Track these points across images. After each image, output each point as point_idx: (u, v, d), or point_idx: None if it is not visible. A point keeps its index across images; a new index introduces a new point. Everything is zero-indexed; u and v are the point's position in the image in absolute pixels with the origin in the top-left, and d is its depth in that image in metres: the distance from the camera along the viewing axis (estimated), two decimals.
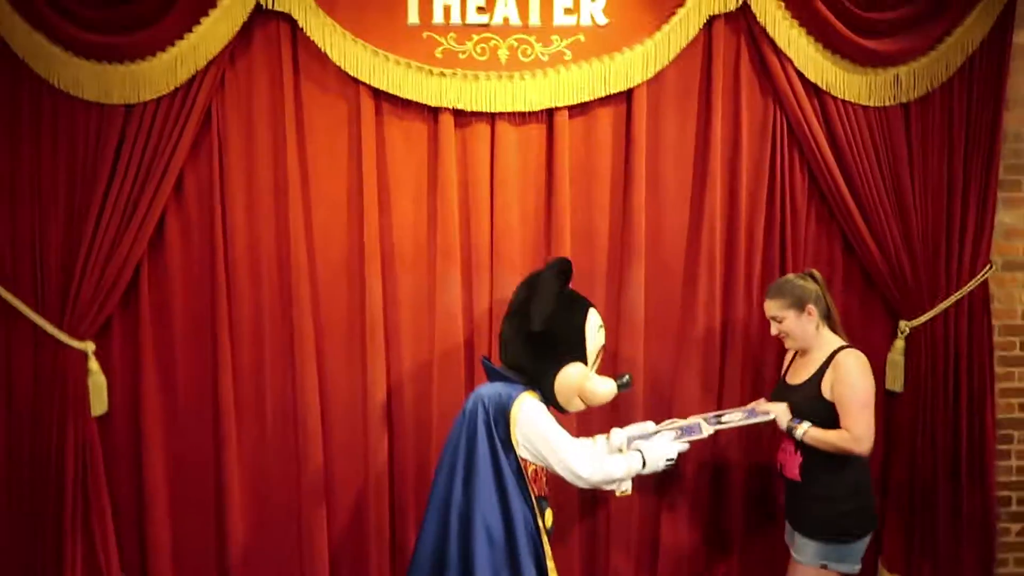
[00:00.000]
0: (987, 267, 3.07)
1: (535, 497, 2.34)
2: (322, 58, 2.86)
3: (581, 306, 2.41)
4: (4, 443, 2.90)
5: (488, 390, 2.36)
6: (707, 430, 2.47)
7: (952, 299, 3.04)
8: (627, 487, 2.39)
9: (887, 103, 3.00)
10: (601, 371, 2.59)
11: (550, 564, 2.32)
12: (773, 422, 2.57)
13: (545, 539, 2.34)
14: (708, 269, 3.05)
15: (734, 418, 2.61)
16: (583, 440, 2.56)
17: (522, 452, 2.29)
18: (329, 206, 2.99)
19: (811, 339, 2.57)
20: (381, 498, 3.04)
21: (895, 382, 3.10)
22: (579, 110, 2.99)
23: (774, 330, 2.61)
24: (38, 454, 2.90)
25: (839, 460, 2.49)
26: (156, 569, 3.01)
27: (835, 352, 2.53)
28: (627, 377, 2.50)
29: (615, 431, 2.55)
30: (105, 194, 2.82)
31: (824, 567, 2.51)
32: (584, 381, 2.36)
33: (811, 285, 2.57)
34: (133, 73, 2.81)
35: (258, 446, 3.04)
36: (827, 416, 2.49)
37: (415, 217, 3.01)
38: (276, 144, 2.94)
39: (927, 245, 3.05)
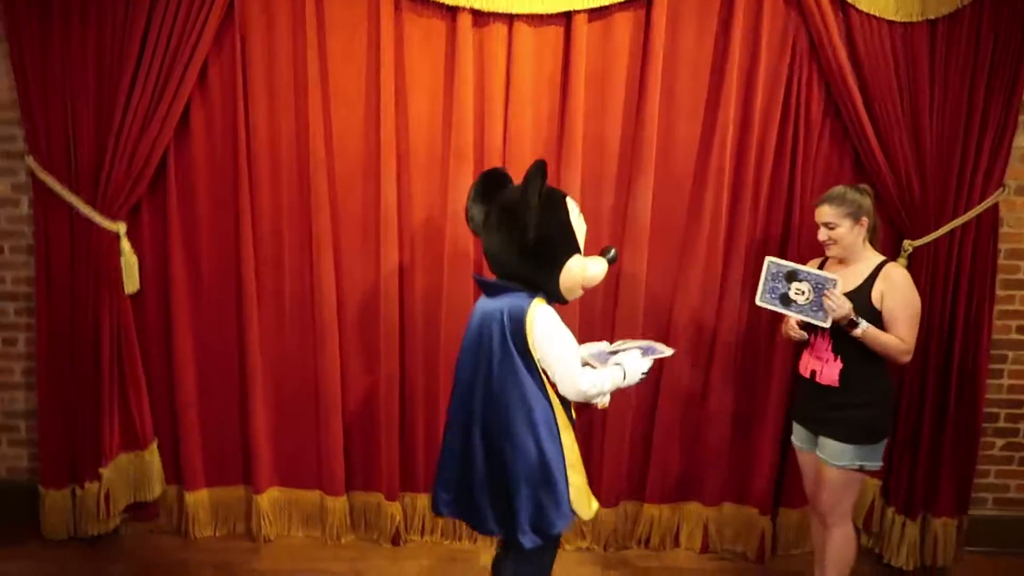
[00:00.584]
0: (999, 190, 3.07)
1: (559, 395, 2.41)
2: None
3: (559, 200, 2.40)
4: (45, 318, 3.13)
5: (494, 305, 2.36)
6: (666, 351, 2.54)
7: (959, 221, 3.05)
8: (607, 400, 2.55)
9: (914, 19, 2.94)
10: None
11: (574, 455, 2.41)
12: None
13: (571, 434, 2.42)
14: (716, 181, 3.09)
15: (798, 296, 2.61)
16: None
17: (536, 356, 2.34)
18: (347, 102, 3.06)
19: (856, 251, 2.66)
20: (392, 386, 3.23)
21: None
22: (598, 14, 2.99)
23: (823, 236, 2.65)
24: (77, 329, 3.13)
25: (876, 367, 2.62)
26: (186, 437, 3.28)
27: (882, 264, 2.63)
28: (612, 251, 2.56)
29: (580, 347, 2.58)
30: (132, 81, 2.94)
31: (860, 468, 2.64)
32: (584, 271, 2.42)
33: (867, 200, 2.64)
34: None
35: (277, 330, 3.24)
36: (874, 324, 2.57)
37: (431, 116, 3.08)
38: (296, 38, 3.01)
39: (940, 166, 3.04)
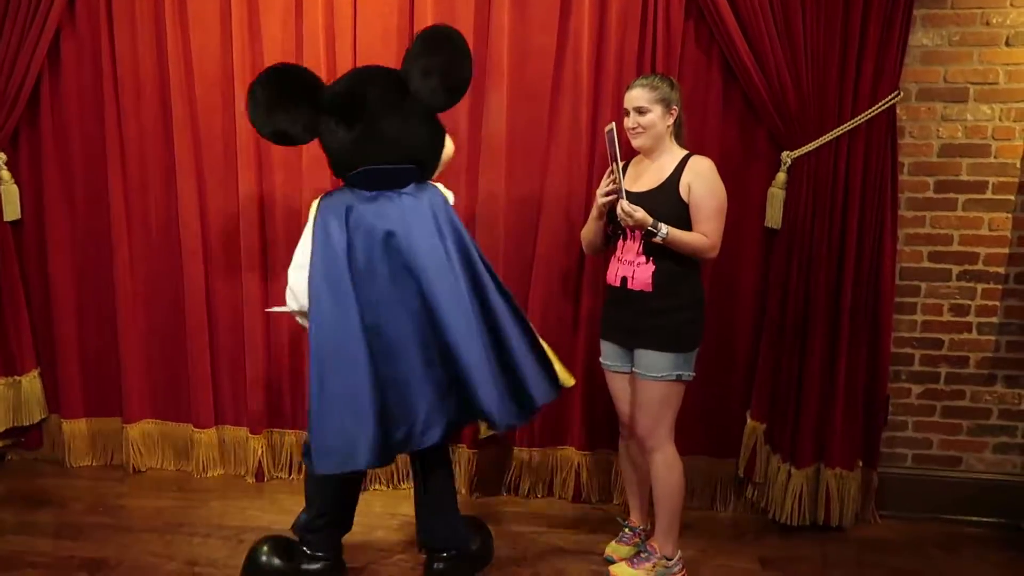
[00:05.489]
0: (893, 94, 2.72)
1: None
2: None
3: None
4: None
5: (409, 204, 2.31)
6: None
7: (843, 128, 2.72)
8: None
9: None
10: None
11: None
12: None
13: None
14: (574, 94, 2.91)
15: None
16: None
17: None
18: (204, 27, 3.08)
19: (663, 142, 2.47)
20: (255, 314, 3.19)
21: (773, 219, 2.85)
22: None
23: (631, 122, 2.45)
24: None
25: (688, 268, 2.43)
26: (64, 364, 3.34)
27: (688, 156, 2.45)
28: None
29: None
30: (4, 11, 3.05)
31: (679, 377, 2.43)
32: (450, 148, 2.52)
33: (677, 91, 2.48)
34: None
35: (146, 257, 3.27)
36: (685, 219, 2.39)
37: (283, 39, 3.04)
38: None
39: (816, 68, 2.73)
